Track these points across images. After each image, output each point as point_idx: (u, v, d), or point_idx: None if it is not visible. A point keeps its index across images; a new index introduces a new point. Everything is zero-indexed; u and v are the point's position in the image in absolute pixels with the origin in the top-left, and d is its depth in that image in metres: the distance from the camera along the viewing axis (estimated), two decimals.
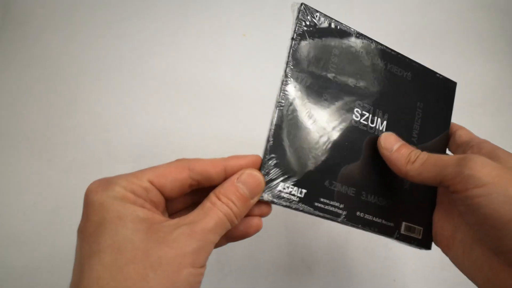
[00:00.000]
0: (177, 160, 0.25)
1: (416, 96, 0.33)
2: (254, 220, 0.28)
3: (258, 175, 0.25)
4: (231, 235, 0.28)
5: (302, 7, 0.29)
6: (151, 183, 0.24)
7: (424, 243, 0.32)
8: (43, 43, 0.57)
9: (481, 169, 0.23)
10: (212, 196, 0.24)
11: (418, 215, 0.32)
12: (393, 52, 0.33)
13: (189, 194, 0.28)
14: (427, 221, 0.32)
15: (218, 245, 0.27)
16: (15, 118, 0.53)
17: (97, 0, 0.61)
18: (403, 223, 0.31)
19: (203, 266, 0.22)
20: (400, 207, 0.31)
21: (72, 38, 0.58)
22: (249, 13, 0.63)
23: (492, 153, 0.27)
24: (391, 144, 0.29)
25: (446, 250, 0.30)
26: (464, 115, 0.64)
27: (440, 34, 0.68)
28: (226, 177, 0.26)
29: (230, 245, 0.51)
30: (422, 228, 0.32)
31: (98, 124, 0.54)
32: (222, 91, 0.57)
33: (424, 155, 0.27)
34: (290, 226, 0.52)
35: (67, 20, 0.59)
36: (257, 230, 0.28)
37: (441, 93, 0.35)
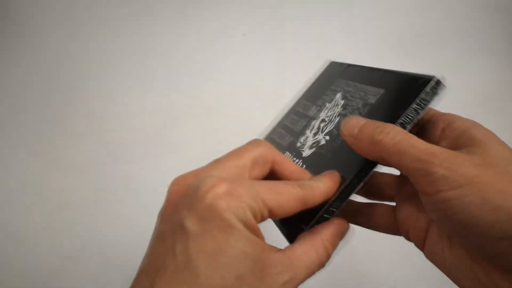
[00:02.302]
0: (297, 186, 0.23)
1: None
2: None
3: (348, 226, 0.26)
4: None
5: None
6: (270, 211, 0.21)
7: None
8: (43, 43, 0.57)
9: (458, 168, 0.20)
10: (320, 242, 0.24)
11: None
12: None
13: None
14: None
15: None
16: (15, 118, 0.53)
17: (97, 0, 0.61)
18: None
19: None
20: None
21: (72, 38, 0.58)
22: (249, 13, 0.63)
23: (465, 133, 0.23)
24: (352, 128, 0.25)
25: (421, 246, 0.26)
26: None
27: (440, 34, 0.68)
28: None
29: None
30: None
31: (98, 124, 0.54)
32: (223, 91, 0.57)
33: (396, 134, 0.22)
34: None
35: (67, 20, 0.59)
36: None
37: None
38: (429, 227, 0.25)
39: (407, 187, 0.27)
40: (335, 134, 0.32)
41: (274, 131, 0.36)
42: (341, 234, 0.25)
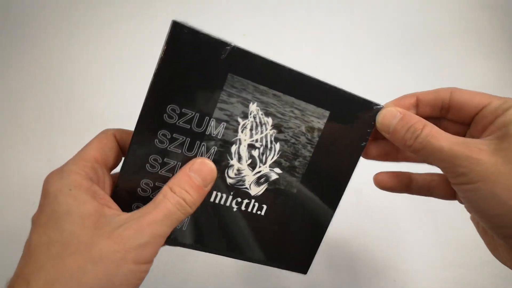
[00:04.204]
0: (101, 132, 0.27)
1: None
2: None
3: (209, 163, 0.26)
4: None
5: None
6: (96, 160, 0.25)
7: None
8: (43, 43, 0.57)
9: (475, 167, 0.23)
10: (165, 188, 0.24)
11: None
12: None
13: None
14: None
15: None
16: (14, 118, 0.53)
17: (97, 0, 0.61)
18: None
19: (148, 262, 0.22)
20: None
21: (72, 38, 0.58)
22: (249, 13, 0.63)
23: (504, 127, 0.25)
24: (387, 126, 0.27)
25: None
26: None
27: (440, 34, 0.68)
28: None
29: None
30: None
31: (98, 124, 0.54)
32: None
33: (423, 139, 0.25)
34: None
35: (67, 20, 0.59)
36: None
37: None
38: None
39: None
40: (288, 167, 0.28)
41: (141, 157, 0.25)
42: (193, 170, 0.25)
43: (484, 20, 0.69)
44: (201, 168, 0.25)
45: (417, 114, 0.29)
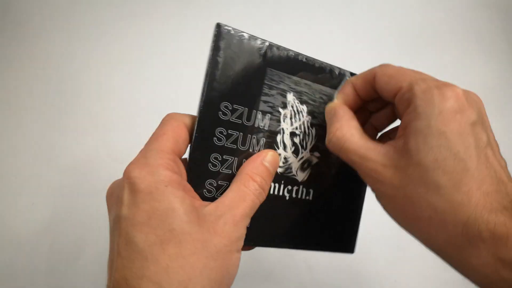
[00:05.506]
0: (172, 119, 0.26)
1: None
2: None
3: (277, 155, 0.28)
4: None
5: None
6: (173, 152, 0.25)
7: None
8: (43, 43, 0.57)
9: (378, 187, 0.25)
10: (245, 177, 0.26)
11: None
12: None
13: None
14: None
15: None
16: (14, 118, 0.53)
17: (97, 0, 0.60)
18: None
19: (240, 249, 0.25)
20: None
21: (72, 38, 0.58)
22: (248, 13, 0.63)
23: (407, 123, 0.24)
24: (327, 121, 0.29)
25: None
26: None
27: (440, 34, 0.68)
28: None
29: None
30: None
31: (98, 124, 0.54)
32: None
33: (335, 143, 0.26)
34: None
35: (67, 20, 0.59)
36: None
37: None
38: None
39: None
40: (324, 149, 0.30)
41: (204, 157, 0.26)
42: (268, 161, 0.27)
43: (484, 20, 0.69)
44: (274, 160, 0.27)
45: (358, 99, 0.29)
